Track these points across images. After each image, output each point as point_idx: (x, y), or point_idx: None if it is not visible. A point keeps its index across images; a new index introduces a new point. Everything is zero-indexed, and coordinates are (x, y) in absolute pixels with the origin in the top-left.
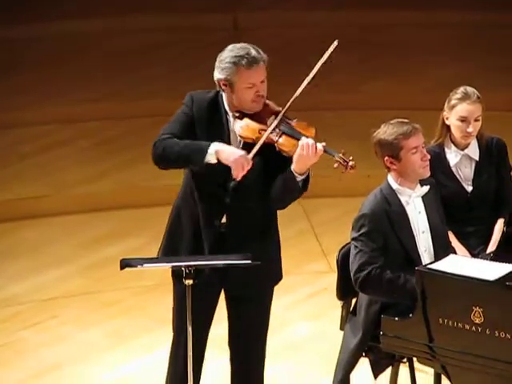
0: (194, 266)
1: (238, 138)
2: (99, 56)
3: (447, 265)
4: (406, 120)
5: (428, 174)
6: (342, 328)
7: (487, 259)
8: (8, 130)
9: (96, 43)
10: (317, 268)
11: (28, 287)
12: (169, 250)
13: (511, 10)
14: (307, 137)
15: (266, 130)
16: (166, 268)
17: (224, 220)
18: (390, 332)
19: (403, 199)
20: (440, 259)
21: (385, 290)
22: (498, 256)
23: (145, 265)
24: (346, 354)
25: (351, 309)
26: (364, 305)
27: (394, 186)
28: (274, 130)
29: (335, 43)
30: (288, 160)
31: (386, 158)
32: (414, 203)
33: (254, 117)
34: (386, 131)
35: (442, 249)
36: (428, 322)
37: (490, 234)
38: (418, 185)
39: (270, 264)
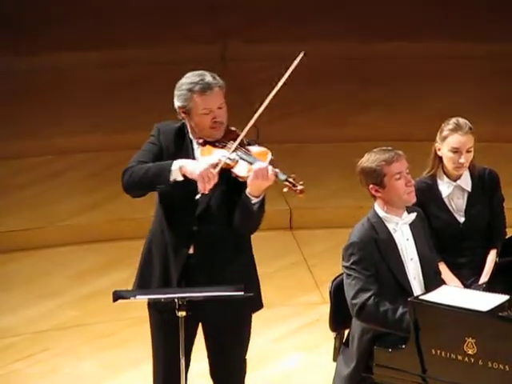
0: (187, 297)
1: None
2: (91, 88)
3: (440, 296)
4: (388, 148)
5: (413, 200)
6: (334, 359)
7: (480, 290)
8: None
9: (88, 75)
10: (310, 299)
11: (21, 319)
12: (141, 283)
13: (501, 42)
14: (262, 161)
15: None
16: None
17: (191, 250)
18: (383, 363)
19: (390, 227)
20: (430, 287)
21: (381, 320)
22: (491, 287)
23: (137, 296)
24: None
25: (344, 340)
26: (357, 334)
27: (381, 213)
28: (230, 156)
29: (301, 54)
30: (245, 185)
31: (371, 185)
32: (401, 230)
33: (215, 144)
34: (368, 159)
35: (431, 277)
36: (421, 352)
37: (482, 265)
38: (405, 212)
39: (246, 291)
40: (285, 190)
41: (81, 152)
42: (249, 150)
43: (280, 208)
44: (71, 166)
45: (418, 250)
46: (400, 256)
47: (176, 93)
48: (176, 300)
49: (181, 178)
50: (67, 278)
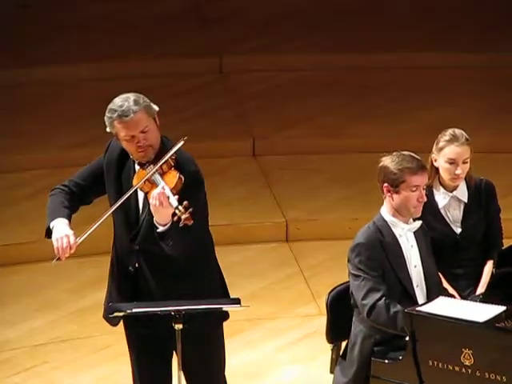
0: (184, 310)
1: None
2: (85, 101)
3: (437, 307)
4: (417, 156)
5: (418, 215)
6: (332, 371)
7: (477, 301)
8: None
9: (82, 89)
10: (306, 311)
11: (18, 333)
12: (106, 298)
13: (495, 53)
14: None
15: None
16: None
17: (137, 265)
18: (380, 375)
19: (396, 232)
20: (432, 297)
21: (391, 321)
22: (488, 298)
23: (134, 309)
24: None
25: (341, 352)
26: (359, 339)
27: (387, 217)
28: (147, 180)
29: (184, 139)
30: None
31: (385, 184)
32: (406, 236)
33: (145, 165)
34: (394, 160)
35: (433, 286)
36: (418, 364)
37: (479, 276)
38: (411, 219)
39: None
40: (174, 218)
41: (76, 166)
42: (162, 175)
43: (276, 220)
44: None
45: (421, 258)
46: (405, 261)
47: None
48: (173, 313)
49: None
50: (65, 292)
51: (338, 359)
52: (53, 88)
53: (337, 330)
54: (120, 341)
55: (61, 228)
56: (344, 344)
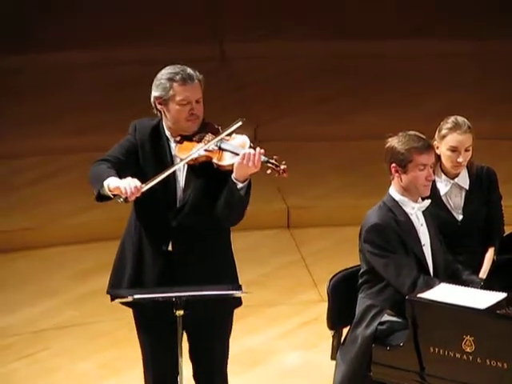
0: (185, 297)
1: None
2: (85, 88)
3: (438, 293)
4: (422, 136)
5: (427, 193)
6: (333, 358)
7: (478, 288)
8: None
9: (82, 75)
10: (307, 298)
11: (20, 319)
12: (113, 284)
13: (498, 40)
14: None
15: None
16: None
17: (170, 247)
18: (381, 361)
19: (407, 210)
20: (438, 275)
21: None
22: (489, 285)
23: (135, 296)
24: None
25: (342, 339)
26: (370, 313)
27: (397, 197)
28: (208, 147)
29: (240, 122)
30: (228, 176)
31: (393, 165)
32: (416, 215)
33: (192, 138)
34: (401, 140)
35: (440, 265)
36: (419, 350)
37: (480, 263)
38: (420, 198)
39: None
40: (268, 171)
41: (77, 152)
42: (228, 140)
43: (278, 207)
44: (67, 166)
45: (430, 237)
46: (418, 238)
47: (155, 83)
48: (174, 299)
49: (107, 193)
50: (66, 278)
51: (339, 346)
52: (54, 75)
53: (338, 316)
54: (121, 327)
55: (118, 180)
56: (345, 330)
